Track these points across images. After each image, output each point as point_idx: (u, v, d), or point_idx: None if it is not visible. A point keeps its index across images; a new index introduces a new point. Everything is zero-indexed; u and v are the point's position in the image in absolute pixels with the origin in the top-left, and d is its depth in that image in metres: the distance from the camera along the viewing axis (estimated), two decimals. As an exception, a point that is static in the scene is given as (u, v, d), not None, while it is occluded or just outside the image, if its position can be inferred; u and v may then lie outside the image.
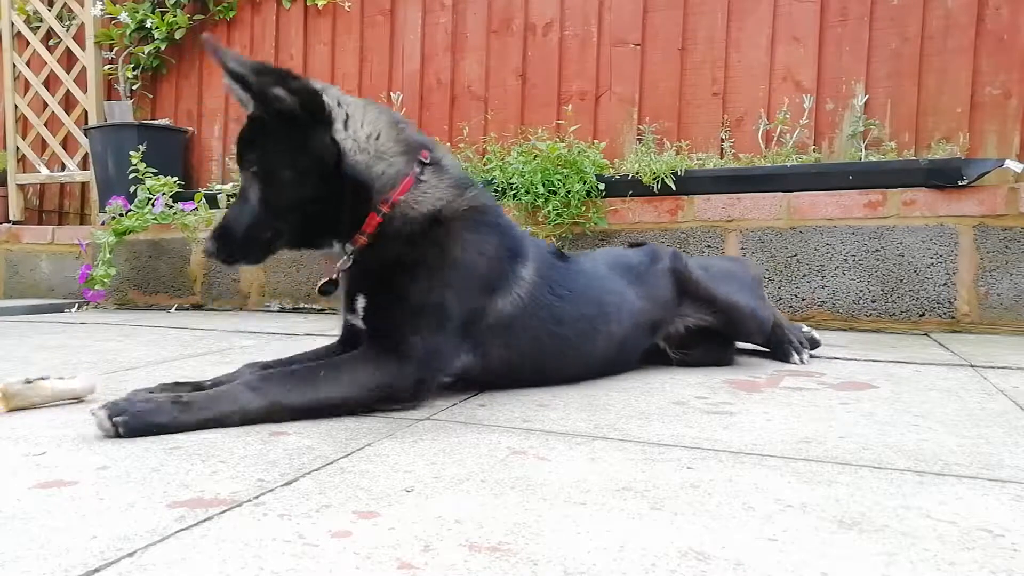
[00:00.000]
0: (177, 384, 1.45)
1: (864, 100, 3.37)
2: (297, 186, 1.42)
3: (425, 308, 1.45)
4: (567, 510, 0.90)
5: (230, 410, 1.29)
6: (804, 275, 2.97)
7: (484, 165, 3.64)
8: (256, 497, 0.94)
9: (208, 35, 1.43)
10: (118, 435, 1.21)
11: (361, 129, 1.47)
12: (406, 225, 1.47)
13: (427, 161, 1.52)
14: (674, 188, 3.15)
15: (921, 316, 2.83)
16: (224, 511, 0.89)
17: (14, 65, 4.86)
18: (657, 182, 3.17)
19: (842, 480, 1.02)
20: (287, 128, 1.41)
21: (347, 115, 1.46)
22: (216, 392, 1.33)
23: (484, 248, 1.53)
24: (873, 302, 2.88)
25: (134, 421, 1.22)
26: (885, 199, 2.88)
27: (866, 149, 3.30)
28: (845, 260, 2.92)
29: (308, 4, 4.45)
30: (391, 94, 4.25)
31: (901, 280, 2.85)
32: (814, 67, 3.47)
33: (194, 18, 4.65)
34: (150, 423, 1.23)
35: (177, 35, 4.63)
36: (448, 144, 4.00)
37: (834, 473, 1.05)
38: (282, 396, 1.33)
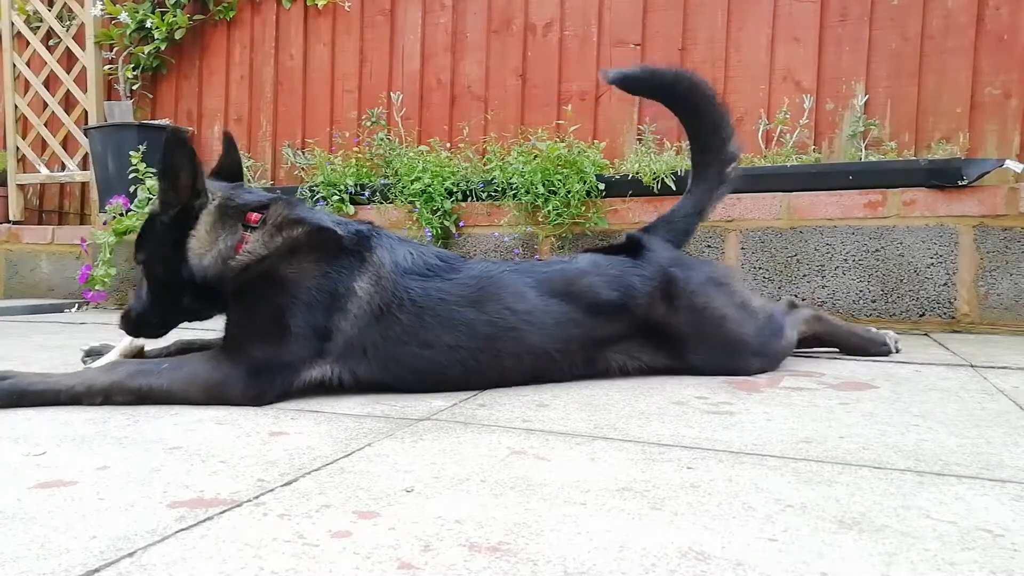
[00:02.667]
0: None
1: (864, 100, 3.37)
2: None
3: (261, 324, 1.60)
4: (567, 510, 0.90)
5: (79, 382, 1.50)
6: (804, 275, 2.97)
7: (484, 165, 3.65)
8: (256, 497, 0.94)
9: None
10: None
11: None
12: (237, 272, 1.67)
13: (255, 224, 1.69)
14: (674, 188, 3.14)
15: (921, 316, 2.83)
16: (224, 511, 0.89)
17: (14, 65, 4.86)
18: (657, 182, 3.17)
19: (842, 480, 1.02)
20: None
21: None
22: (77, 372, 1.56)
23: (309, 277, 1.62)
24: (873, 302, 2.88)
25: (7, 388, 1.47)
26: (885, 199, 2.88)
27: (866, 149, 3.30)
28: (845, 260, 2.92)
29: (308, 4, 4.45)
30: (391, 94, 4.25)
31: (901, 280, 2.85)
32: (814, 67, 3.48)
33: (194, 18, 4.66)
34: (19, 391, 1.47)
35: (177, 35, 4.64)
36: (448, 144, 4.00)
37: (834, 473, 1.05)
38: (126, 379, 1.50)
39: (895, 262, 2.86)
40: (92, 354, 1.71)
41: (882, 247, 2.87)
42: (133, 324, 1.78)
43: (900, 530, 0.84)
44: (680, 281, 1.78)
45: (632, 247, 1.88)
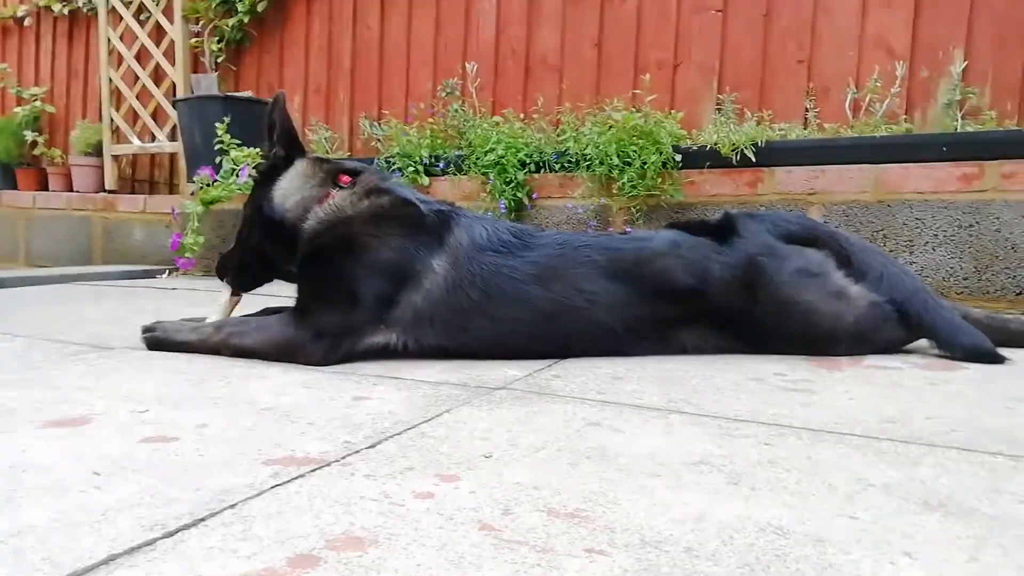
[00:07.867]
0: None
1: (962, 67, 3.19)
2: None
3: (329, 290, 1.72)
4: (643, 481, 0.91)
5: (198, 338, 1.74)
6: (891, 251, 2.86)
7: (558, 136, 3.62)
8: (343, 457, 0.98)
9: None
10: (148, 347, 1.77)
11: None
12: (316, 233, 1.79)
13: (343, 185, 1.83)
14: (754, 160, 3.06)
15: (1019, 295, 2.69)
16: (314, 469, 0.93)
17: (108, 40, 5.08)
18: (736, 153, 3.09)
19: (928, 461, 0.99)
20: None
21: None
22: (198, 327, 1.79)
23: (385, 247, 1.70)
24: (965, 279, 2.75)
25: (151, 338, 1.77)
26: (982, 172, 2.73)
27: (963, 119, 3.13)
28: (935, 235, 2.80)
29: (386, -25, 4.48)
30: (466, 64, 4.25)
31: (996, 257, 2.71)
32: (908, 32, 3.30)
33: (275, -9, 4.75)
34: (160, 339, 1.77)
35: (260, 7, 4.75)
36: (522, 115, 3.99)
37: (919, 454, 1.02)
38: (228, 338, 1.71)
39: (991, 238, 2.71)
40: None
41: (977, 222, 2.73)
42: (220, 267, 2.00)
43: (990, 514, 0.81)
44: (768, 271, 1.71)
45: (724, 228, 1.80)
